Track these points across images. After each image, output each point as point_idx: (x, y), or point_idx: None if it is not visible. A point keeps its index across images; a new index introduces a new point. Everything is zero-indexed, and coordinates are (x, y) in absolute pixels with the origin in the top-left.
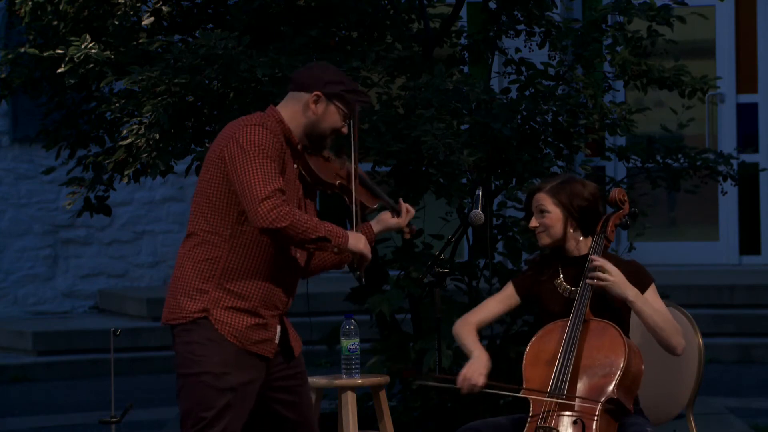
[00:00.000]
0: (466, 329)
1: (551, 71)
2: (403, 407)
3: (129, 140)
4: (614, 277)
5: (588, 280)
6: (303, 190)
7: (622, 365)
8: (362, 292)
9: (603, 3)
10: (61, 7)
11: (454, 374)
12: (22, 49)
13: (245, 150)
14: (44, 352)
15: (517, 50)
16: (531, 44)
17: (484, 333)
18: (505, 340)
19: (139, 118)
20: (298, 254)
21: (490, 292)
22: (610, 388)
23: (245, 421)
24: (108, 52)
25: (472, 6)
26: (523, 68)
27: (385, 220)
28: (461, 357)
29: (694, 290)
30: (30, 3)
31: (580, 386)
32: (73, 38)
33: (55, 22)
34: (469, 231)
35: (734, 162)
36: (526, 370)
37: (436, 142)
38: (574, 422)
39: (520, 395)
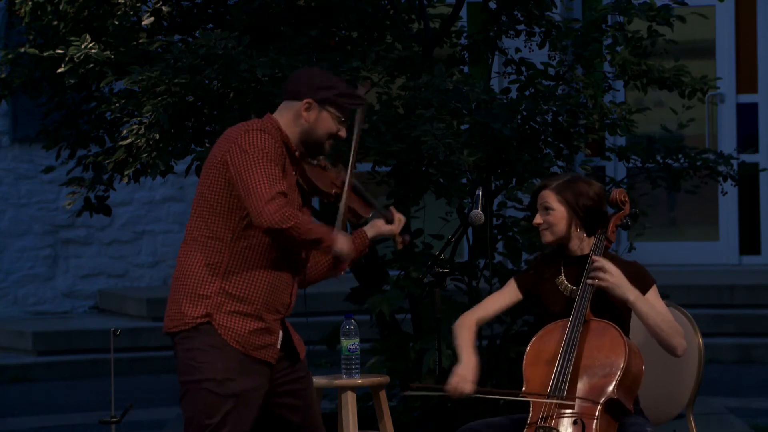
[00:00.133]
0: (464, 330)
1: (551, 71)
2: (403, 407)
3: (129, 140)
4: (615, 278)
5: (589, 281)
6: (301, 197)
7: (622, 365)
8: (362, 292)
9: (603, 3)
10: (61, 7)
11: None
12: (22, 49)
13: (249, 153)
14: (44, 352)
15: (517, 50)
16: (531, 44)
17: (484, 333)
18: (505, 340)
19: (139, 118)
20: (297, 258)
21: (490, 292)
22: (611, 388)
23: (250, 427)
24: (108, 52)
25: (472, 6)
26: (523, 68)
27: (378, 225)
28: None
29: (694, 290)
30: (30, 3)
31: (580, 386)
32: (73, 38)
33: (55, 22)
34: (469, 231)
35: (734, 162)
36: (526, 370)
37: (436, 142)
38: (574, 422)
39: (516, 398)
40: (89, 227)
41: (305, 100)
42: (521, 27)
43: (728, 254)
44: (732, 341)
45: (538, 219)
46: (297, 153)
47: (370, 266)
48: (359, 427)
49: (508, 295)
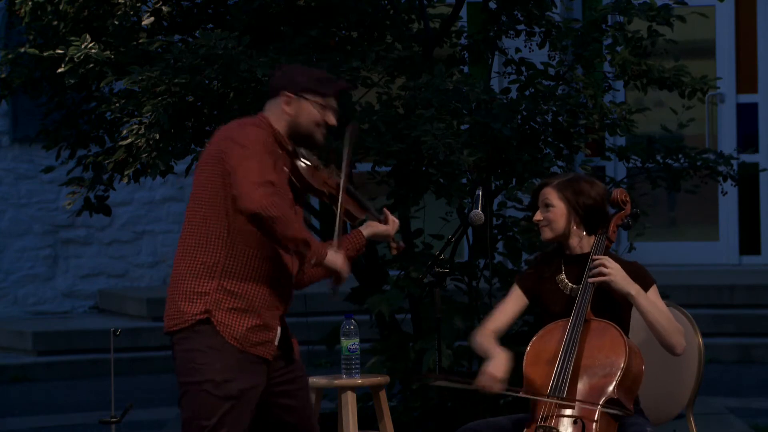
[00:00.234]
0: (484, 337)
1: (551, 71)
2: (403, 407)
3: (129, 140)
4: (615, 273)
5: (590, 279)
6: (294, 196)
7: (622, 365)
8: (362, 292)
9: (603, 3)
10: (61, 7)
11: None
12: (22, 49)
13: (243, 145)
14: (44, 352)
15: (517, 50)
16: (531, 44)
17: None
18: (505, 340)
19: (139, 118)
20: (293, 254)
21: (490, 292)
22: (611, 388)
23: (247, 426)
24: (108, 52)
25: (472, 6)
26: (523, 68)
27: (374, 225)
28: (461, 357)
29: (694, 290)
30: (30, 3)
31: (581, 386)
32: (73, 38)
33: (55, 22)
34: (469, 231)
35: (734, 162)
36: (526, 370)
37: (436, 142)
38: (574, 422)
39: (523, 396)
40: (89, 227)
41: (283, 95)
42: (521, 27)
43: (728, 254)
44: (732, 341)
45: (538, 216)
46: (290, 147)
47: (370, 266)
48: (359, 427)
49: (514, 303)
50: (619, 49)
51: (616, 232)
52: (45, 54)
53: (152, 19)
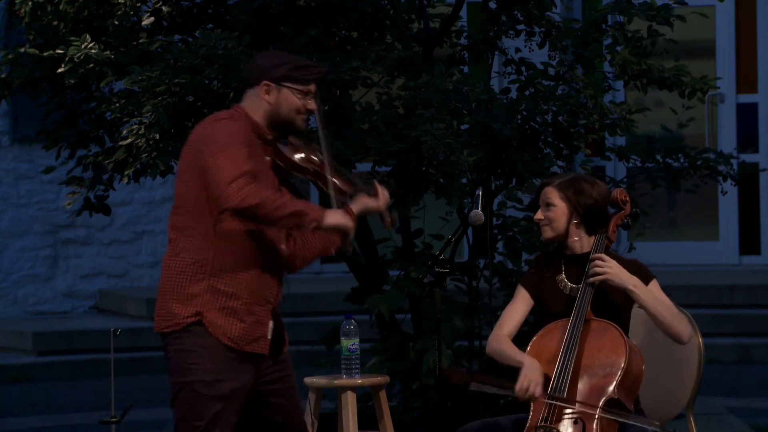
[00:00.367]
0: (503, 343)
1: (551, 71)
2: (403, 407)
3: (129, 140)
4: (613, 269)
5: (590, 279)
6: (279, 179)
7: (623, 365)
8: (362, 292)
9: (603, 3)
10: (61, 7)
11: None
12: (22, 49)
13: (215, 140)
14: (44, 352)
15: (517, 50)
16: (531, 44)
17: (485, 333)
18: None
19: (139, 118)
20: (282, 246)
21: (490, 292)
22: (611, 388)
23: (235, 422)
24: (108, 52)
25: (472, 6)
26: (523, 68)
27: (364, 200)
28: (461, 357)
29: (694, 290)
30: (30, 3)
31: (581, 386)
32: (73, 38)
33: (55, 22)
34: (469, 231)
35: (734, 162)
36: None
37: (436, 142)
38: (575, 422)
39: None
40: (89, 227)
41: (262, 83)
42: (521, 27)
43: (728, 254)
44: (732, 341)
45: (539, 215)
46: (269, 137)
47: (370, 266)
48: (359, 427)
49: (521, 304)
50: (619, 49)
51: (616, 232)
52: (45, 54)
53: (152, 19)
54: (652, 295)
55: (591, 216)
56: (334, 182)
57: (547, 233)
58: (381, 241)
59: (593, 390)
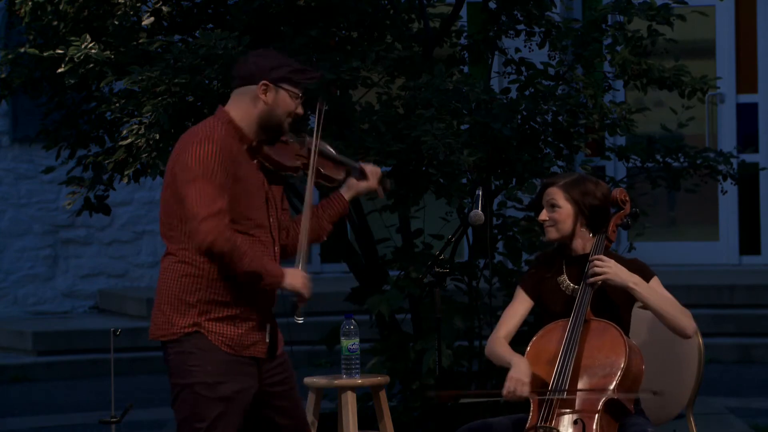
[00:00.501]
0: (499, 345)
1: (551, 71)
2: (403, 407)
3: (129, 140)
4: (613, 268)
5: (590, 279)
6: (267, 179)
7: (622, 365)
8: (362, 292)
9: (603, 3)
10: (61, 7)
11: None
12: (22, 49)
13: (188, 167)
14: (44, 352)
15: (517, 50)
16: (531, 44)
17: (485, 333)
18: None
19: (139, 118)
20: (275, 249)
21: (490, 292)
22: (611, 388)
23: (239, 428)
24: (108, 52)
25: (472, 6)
26: (523, 68)
27: (354, 185)
28: (461, 357)
29: (694, 290)
30: (30, 3)
31: (581, 386)
32: (73, 38)
33: (55, 22)
34: (469, 231)
35: (734, 161)
36: None
37: (436, 142)
38: (575, 422)
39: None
40: (89, 227)
41: (261, 83)
42: (521, 27)
43: (728, 254)
44: (732, 341)
45: (543, 215)
46: (254, 143)
47: (370, 266)
48: (359, 427)
49: (520, 305)
50: (619, 48)
51: (616, 232)
52: (45, 54)
53: (152, 19)
54: (653, 291)
55: (596, 216)
56: (325, 173)
57: (552, 234)
58: (381, 241)
59: (593, 390)
